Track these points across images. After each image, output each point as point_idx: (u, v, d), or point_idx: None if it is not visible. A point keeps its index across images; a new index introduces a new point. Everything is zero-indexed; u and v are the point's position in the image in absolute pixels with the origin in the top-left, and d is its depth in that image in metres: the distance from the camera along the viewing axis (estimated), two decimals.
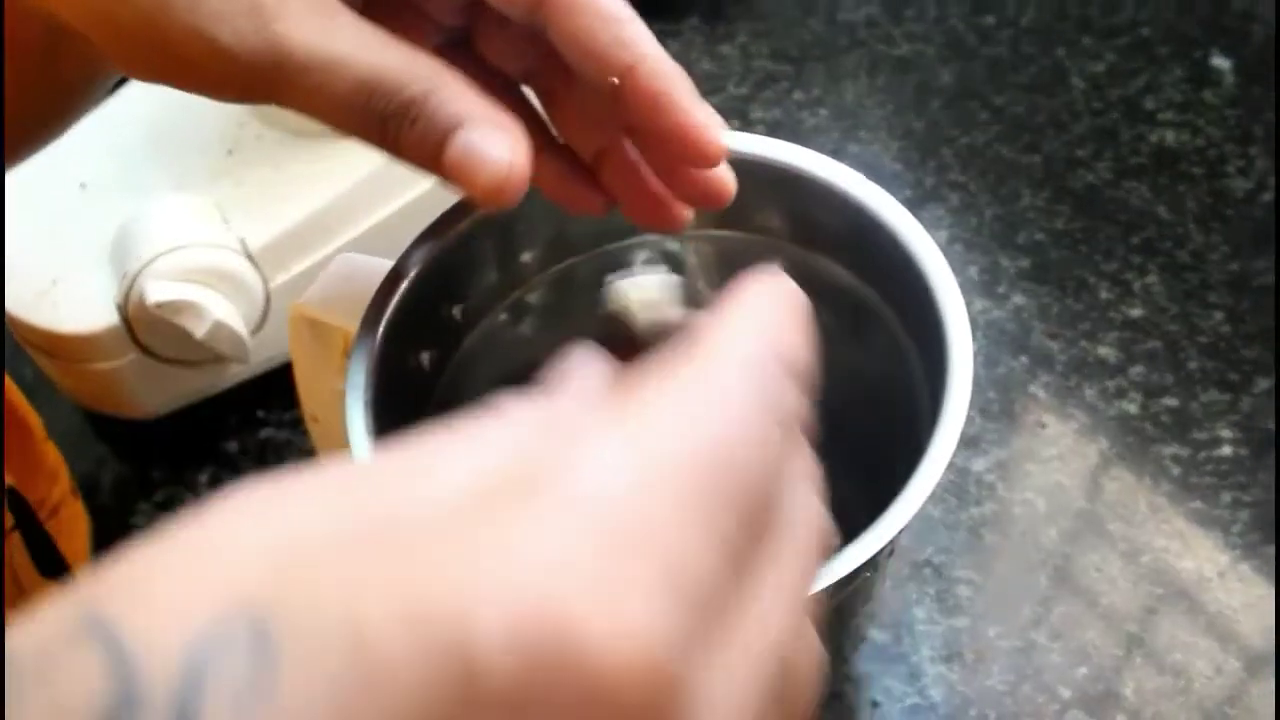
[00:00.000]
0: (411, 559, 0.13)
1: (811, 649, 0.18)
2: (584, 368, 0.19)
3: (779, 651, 0.16)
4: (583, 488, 0.14)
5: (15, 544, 0.37)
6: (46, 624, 0.12)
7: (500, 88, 0.28)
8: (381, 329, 0.32)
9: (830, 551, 0.19)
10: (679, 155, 0.28)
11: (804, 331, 0.19)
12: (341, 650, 0.12)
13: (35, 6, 0.26)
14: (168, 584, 0.13)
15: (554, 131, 0.31)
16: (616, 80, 0.26)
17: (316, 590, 0.13)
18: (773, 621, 0.16)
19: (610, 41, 0.26)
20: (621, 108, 0.27)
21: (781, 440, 0.17)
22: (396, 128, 0.25)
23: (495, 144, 0.25)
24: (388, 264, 0.34)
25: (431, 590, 0.13)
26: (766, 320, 0.18)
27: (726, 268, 0.38)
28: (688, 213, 0.31)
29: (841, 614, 0.35)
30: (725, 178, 0.30)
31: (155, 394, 0.53)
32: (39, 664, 0.12)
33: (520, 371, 0.36)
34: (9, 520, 0.37)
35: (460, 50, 0.29)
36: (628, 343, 0.28)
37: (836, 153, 0.35)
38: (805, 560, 0.18)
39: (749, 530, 0.16)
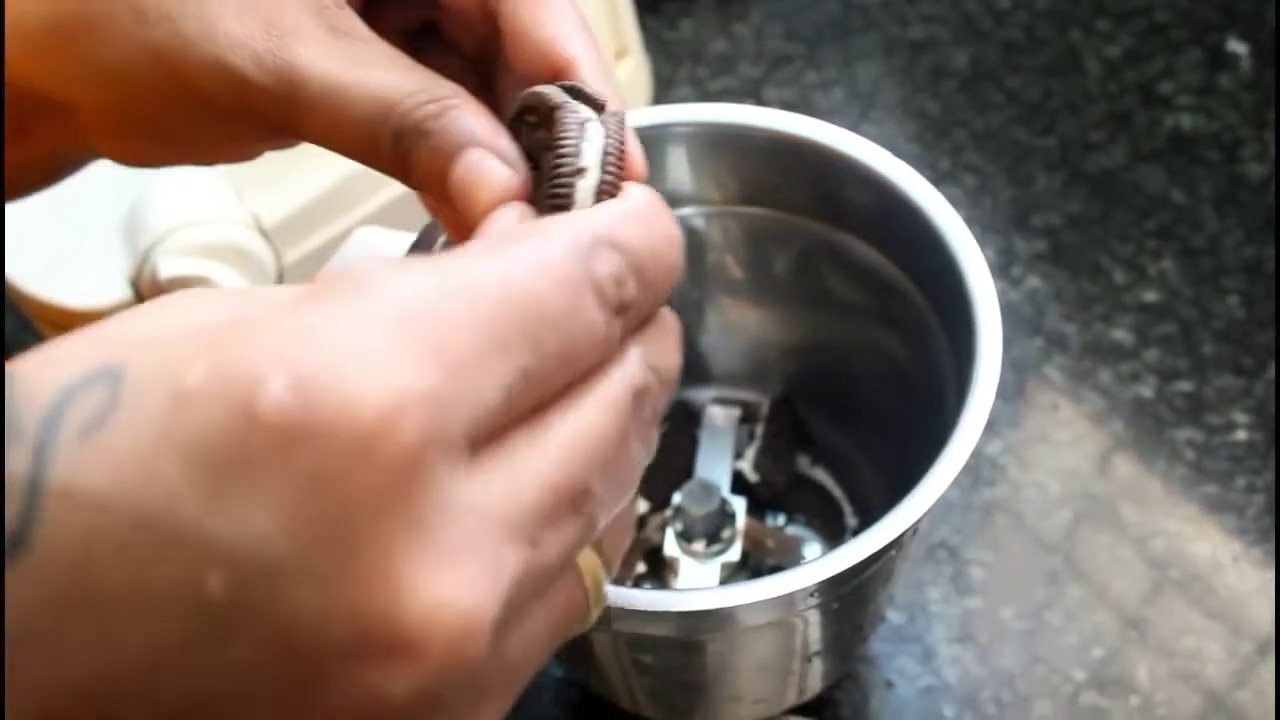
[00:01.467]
0: (239, 336, 0.16)
1: (601, 482, 0.19)
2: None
3: (568, 471, 0.18)
4: (388, 291, 0.17)
5: None
6: None
7: (459, 68, 0.29)
8: None
9: (665, 392, 0.21)
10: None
11: (657, 231, 0.21)
12: (164, 392, 0.16)
13: (17, 80, 0.25)
14: (63, 348, 0.17)
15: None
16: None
17: (163, 357, 0.16)
18: (562, 442, 0.19)
19: (549, 39, 0.26)
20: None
21: (599, 300, 0.19)
22: (410, 143, 0.25)
23: (499, 168, 0.24)
24: (406, 237, 0.34)
25: (240, 352, 0.16)
26: (606, 216, 0.20)
27: (754, 244, 0.38)
28: None
29: (864, 594, 0.35)
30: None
31: None
32: None
33: None
34: None
35: (427, 40, 0.29)
36: None
37: (849, 132, 0.35)
38: (612, 399, 0.19)
39: (542, 359, 0.18)
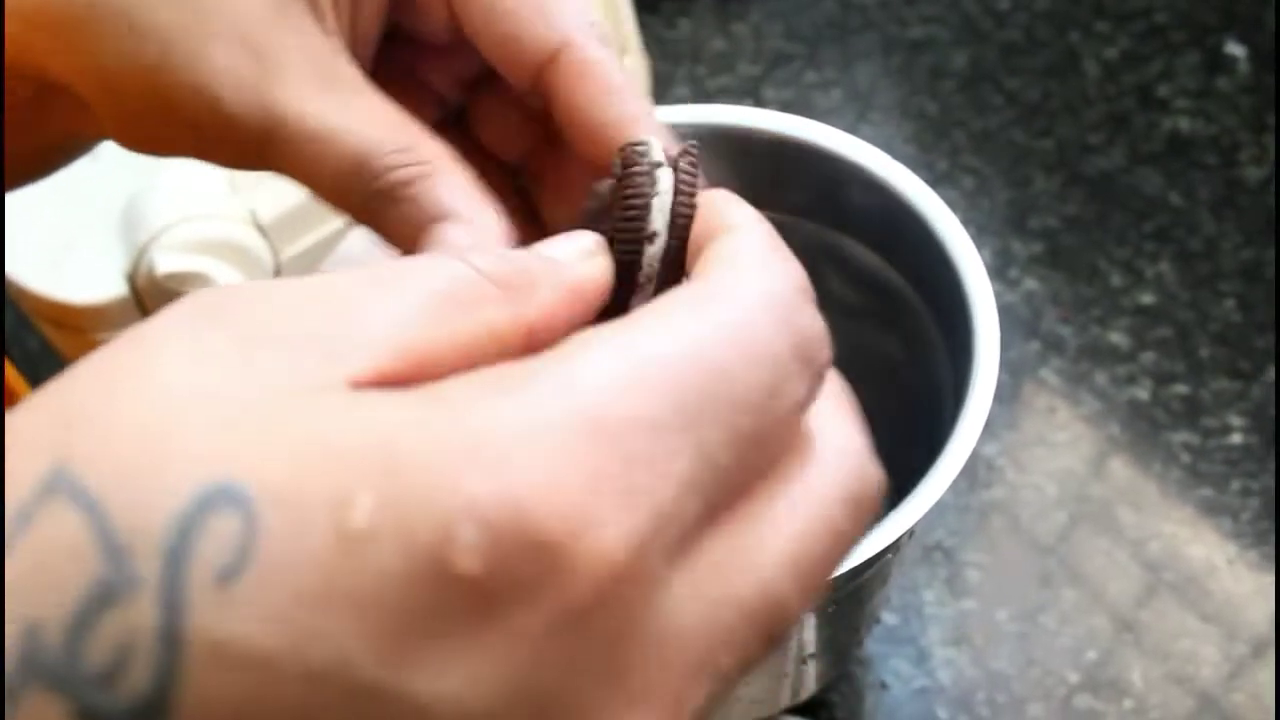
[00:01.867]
0: (403, 450, 0.14)
1: (804, 603, 0.17)
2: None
3: (768, 592, 0.16)
4: (573, 381, 0.15)
5: None
6: (19, 480, 0.13)
7: (492, 171, 0.27)
8: None
9: (876, 506, 0.18)
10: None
11: (794, 258, 0.19)
12: (324, 526, 0.13)
13: (27, 64, 0.25)
14: (139, 452, 0.13)
15: (543, 215, 0.29)
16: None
17: (295, 463, 0.13)
18: (766, 559, 0.16)
19: (614, 118, 0.24)
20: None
21: (802, 371, 0.17)
22: (380, 205, 0.23)
23: (467, 243, 0.23)
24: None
25: (414, 480, 0.13)
26: (770, 250, 0.18)
27: None
28: None
29: (860, 597, 0.35)
30: None
31: None
32: (19, 527, 0.12)
33: None
34: None
35: (456, 129, 0.28)
36: None
37: (849, 134, 0.35)
38: (826, 504, 0.17)
39: (741, 451, 0.16)
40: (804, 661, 0.36)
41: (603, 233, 0.21)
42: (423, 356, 0.15)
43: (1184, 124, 0.61)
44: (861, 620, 0.38)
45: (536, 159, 0.28)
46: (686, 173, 0.22)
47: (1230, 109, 0.61)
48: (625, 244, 0.21)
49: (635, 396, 0.15)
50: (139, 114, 0.25)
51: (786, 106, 0.63)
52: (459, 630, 0.13)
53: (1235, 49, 0.64)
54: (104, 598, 0.12)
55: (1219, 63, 0.63)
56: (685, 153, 0.22)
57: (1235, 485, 0.49)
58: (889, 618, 0.46)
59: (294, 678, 0.13)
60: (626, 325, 0.16)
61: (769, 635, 0.16)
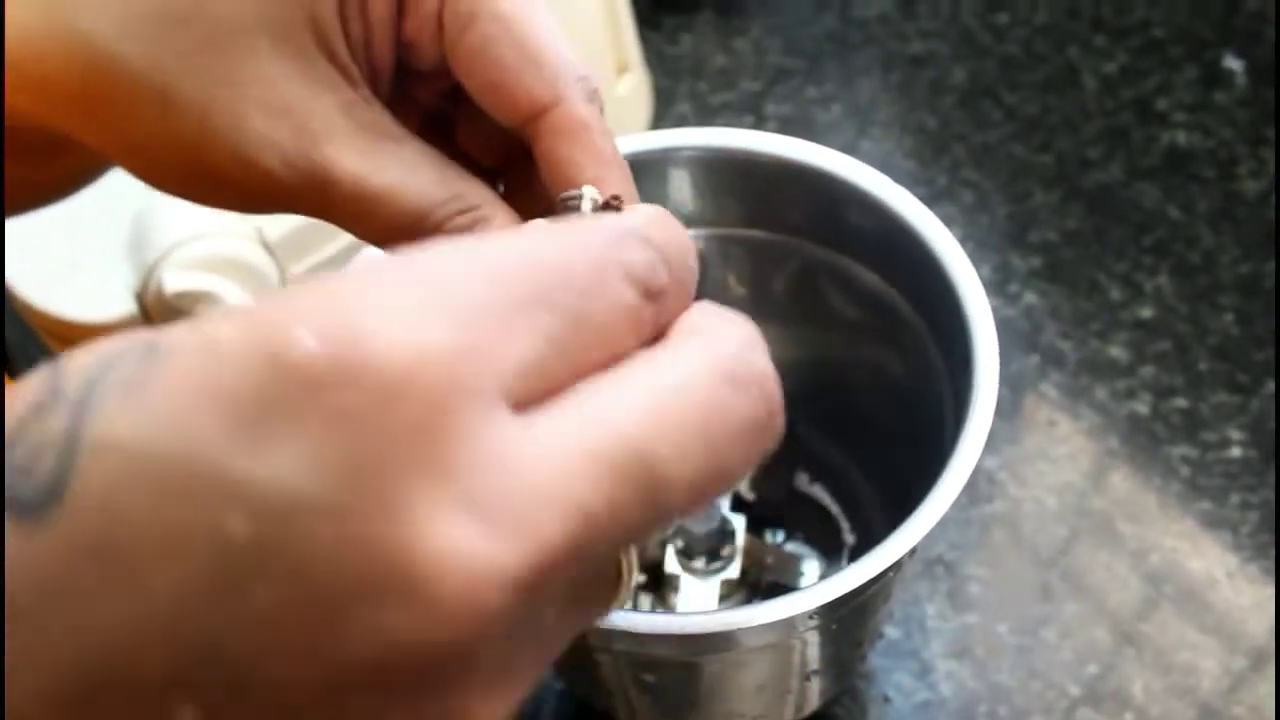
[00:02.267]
0: (270, 302, 0.17)
1: (681, 465, 0.18)
2: None
3: (630, 445, 0.17)
4: (414, 262, 0.18)
5: None
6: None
7: (475, 173, 0.28)
8: None
9: (765, 390, 0.19)
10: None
11: (678, 232, 0.21)
12: (198, 351, 0.16)
13: (45, 128, 0.25)
14: (103, 342, 0.17)
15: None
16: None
17: (199, 327, 0.17)
18: (623, 414, 0.17)
19: (590, 178, 0.25)
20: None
21: (627, 283, 0.19)
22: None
23: None
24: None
25: (270, 313, 0.16)
26: (632, 215, 0.20)
27: (754, 265, 0.39)
28: None
29: (863, 613, 0.35)
30: None
31: None
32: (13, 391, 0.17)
33: None
34: None
35: (437, 132, 0.29)
36: None
37: (849, 149, 0.36)
38: (694, 373, 0.18)
39: (568, 326, 0.18)
40: (807, 678, 0.37)
41: None
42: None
43: (1182, 138, 0.62)
44: (864, 636, 0.38)
45: (514, 168, 0.29)
46: None
47: (1228, 123, 0.62)
48: None
49: (475, 267, 0.18)
50: (181, 180, 0.25)
51: (787, 122, 0.64)
52: (287, 415, 0.16)
53: (1233, 63, 0.64)
54: (36, 412, 0.16)
55: (1217, 77, 0.64)
56: (611, 203, 0.24)
57: (1234, 499, 0.50)
58: (891, 631, 0.47)
59: (155, 463, 0.15)
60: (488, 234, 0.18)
61: (645, 492, 0.17)
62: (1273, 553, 0.48)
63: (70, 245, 0.53)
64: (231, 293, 0.49)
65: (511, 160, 0.29)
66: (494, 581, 0.16)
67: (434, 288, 0.17)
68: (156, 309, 0.50)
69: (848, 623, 0.35)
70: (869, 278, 0.37)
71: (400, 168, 0.25)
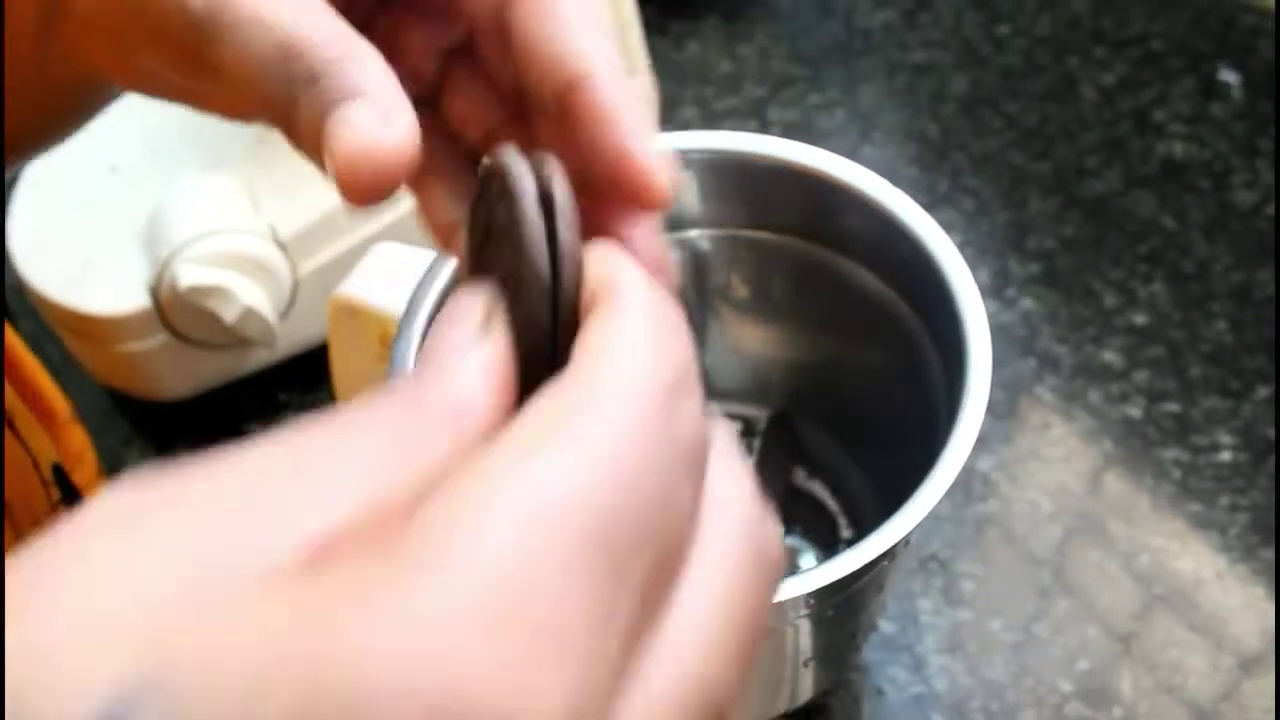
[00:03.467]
0: (304, 623, 0.14)
1: (740, 668, 0.17)
2: (462, 358, 0.18)
3: (702, 683, 0.16)
4: (467, 552, 0.15)
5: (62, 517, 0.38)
6: None
7: (459, 153, 0.27)
8: (424, 317, 0.33)
9: (779, 559, 0.19)
10: (622, 192, 0.23)
11: (682, 333, 0.18)
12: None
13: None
14: (63, 658, 0.13)
15: None
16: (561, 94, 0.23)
17: (213, 655, 0.13)
18: (688, 654, 0.16)
19: (566, 51, 0.23)
20: (568, 136, 0.24)
21: (686, 477, 0.17)
22: (298, 90, 0.23)
23: (367, 118, 0.22)
24: (425, 252, 0.36)
25: (334, 667, 0.13)
26: (648, 337, 0.18)
27: (757, 266, 0.40)
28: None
29: (856, 603, 0.36)
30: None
31: (181, 376, 0.55)
32: None
33: None
34: (55, 494, 0.38)
35: (427, 111, 0.27)
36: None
37: (851, 155, 0.37)
38: (731, 584, 0.17)
39: (644, 577, 0.16)
40: (803, 666, 0.38)
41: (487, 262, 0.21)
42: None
43: (1178, 149, 0.63)
44: (858, 627, 0.39)
45: (504, 135, 0.27)
46: (564, 205, 0.20)
47: (1223, 134, 0.63)
48: (519, 296, 0.20)
49: (536, 562, 0.15)
50: (119, 24, 0.26)
51: (791, 127, 0.65)
52: None
53: (1229, 76, 0.65)
54: None
55: (1213, 89, 0.65)
56: (545, 171, 0.21)
57: (1224, 501, 0.51)
58: (886, 626, 0.48)
59: None
60: (501, 477, 0.15)
61: (716, 711, 0.17)
62: (1261, 554, 0.49)
63: (86, 240, 0.54)
64: (244, 287, 0.50)
65: (502, 130, 0.27)
66: None
67: (507, 595, 0.14)
68: (170, 303, 0.51)
69: (842, 611, 0.35)
70: (869, 279, 0.38)
71: (295, 5, 0.23)
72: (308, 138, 0.23)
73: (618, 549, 0.15)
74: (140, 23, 0.25)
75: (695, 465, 0.17)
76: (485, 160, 0.21)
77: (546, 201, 0.20)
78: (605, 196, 0.23)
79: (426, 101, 0.28)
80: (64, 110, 0.32)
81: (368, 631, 0.14)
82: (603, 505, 0.16)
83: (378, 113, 0.22)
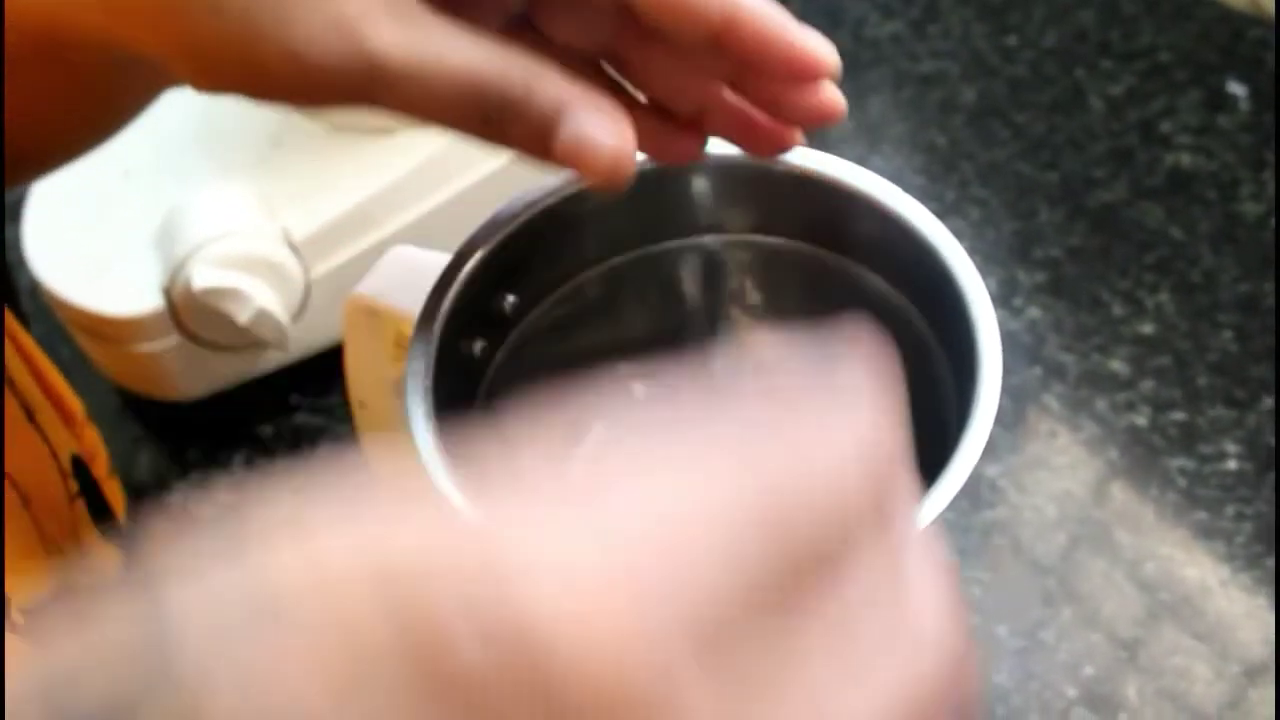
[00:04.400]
0: (401, 534, 0.14)
1: None
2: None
3: None
4: (612, 504, 0.15)
5: (80, 510, 0.39)
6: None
7: (573, 62, 0.28)
8: (440, 319, 0.33)
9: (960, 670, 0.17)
10: (791, 82, 0.29)
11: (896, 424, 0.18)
12: (324, 626, 0.13)
13: (113, 43, 0.26)
14: (206, 583, 0.14)
15: (637, 94, 0.30)
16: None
17: (322, 580, 0.14)
18: (830, 695, 0.15)
19: (805, 45, 0.27)
20: (722, 60, 0.28)
21: (877, 519, 0.16)
22: (500, 124, 0.25)
23: (601, 129, 0.25)
24: (440, 256, 0.36)
25: (410, 579, 0.14)
26: (870, 427, 0.17)
27: (768, 271, 0.40)
28: (799, 135, 0.33)
29: None
30: (835, 96, 0.31)
31: (194, 377, 0.55)
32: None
33: (563, 364, 0.38)
34: (74, 486, 0.39)
35: (524, 29, 0.29)
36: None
37: (860, 164, 0.37)
38: (906, 659, 0.16)
39: (794, 588, 0.15)
40: None
41: None
42: None
43: (1185, 160, 0.63)
44: None
45: (619, 46, 0.29)
46: None
47: (1230, 146, 0.63)
48: None
49: (676, 529, 0.15)
50: (239, 79, 0.26)
51: None
52: None
53: (1236, 88, 0.66)
54: (135, 665, 0.14)
55: (1220, 101, 0.65)
56: None
57: (1230, 510, 0.51)
58: None
59: None
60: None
61: None
62: (1265, 563, 0.49)
63: (100, 241, 0.54)
64: (257, 290, 0.51)
65: (611, 40, 0.29)
66: None
67: (611, 536, 0.14)
68: (184, 304, 0.51)
69: None
70: (881, 285, 0.38)
71: (441, 45, 0.25)
72: (525, 150, 0.26)
73: (767, 536, 0.15)
74: (267, 84, 0.26)
75: (894, 519, 0.17)
76: None
77: None
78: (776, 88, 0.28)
79: (521, 22, 0.29)
80: (119, 120, 0.32)
81: (466, 548, 0.14)
82: (763, 491, 0.15)
83: (605, 120, 0.25)
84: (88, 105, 0.31)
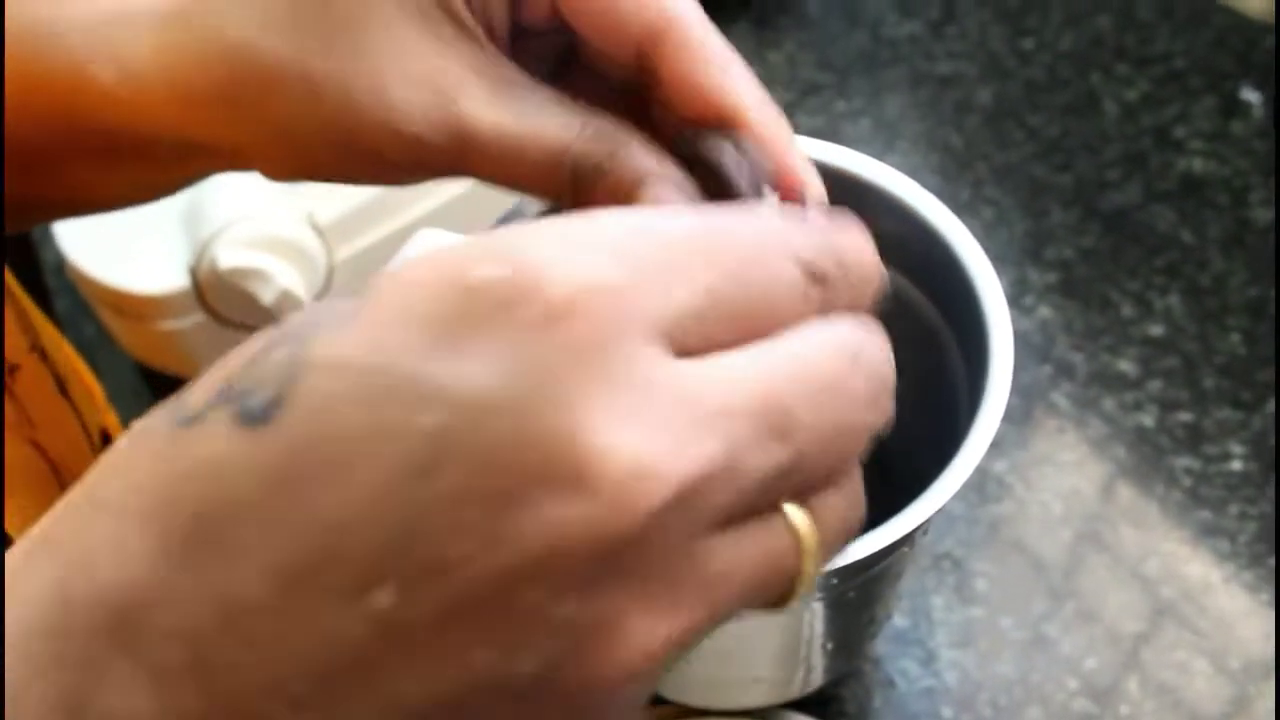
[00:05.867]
0: (462, 244, 0.19)
1: (807, 414, 0.20)
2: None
3: (770, 388, 0.19)
4: (586, 218, 0.20)
5: None
6: None
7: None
8: None
9: (881, 376, 0.22)
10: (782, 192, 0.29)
11: (854, 239, 0.23)
12: (395, 287, 0.19)
13: (181, 137, 0.27)
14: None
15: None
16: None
17: (398, 272, 0.19)
18: (763, 371, 0.19)
19: (715, 88, 0.27)
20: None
21: (791, 262, 0.20)
22: (588, 181, 0.26)
23: (676, 194, 0.26)
24: (462, 239, 0.37)
25: (460, 251, 0.19)
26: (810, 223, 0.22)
27: None
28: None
29: (873, 589, 0.37)
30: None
31: (215, 355, 0.55)
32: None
33: None
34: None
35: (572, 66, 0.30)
36: None
37: (879, 162, 0.38)
38: (821, 352, 0.20)
39: (730, 286, 0.20)
40: (820, 648, 0.39)
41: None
42: None
43: (1198, 165, 0.64)
44: (874, 613, 0.40)
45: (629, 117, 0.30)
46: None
47: (1243, 152, 0.64)
48: None
49: (646, 224, 0.20)
50: (331, 160, 0.27)
51: (817, 134, 0.66)
52: (472, 329, 0.18)
53: (1250, 95, 0.66)
54: (265, 349, 0.19)
55: (1234, 108, 0.66)
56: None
57: (1233, 509, 0.52)
58: (900, 620, 0.49)
59: (360, 374, 0.18)
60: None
61: (780, 434, 0.19)
62: (1268, 562, 0.50)
63: (128, 219, 0.55)
64: (281, 271, 0.51)
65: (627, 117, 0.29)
66: (654, 479, 0.18)
67: (604, 236, 0.19)
68: (209, 283, 0.52)
69: (860, 595, 0.37)
70: (897, 279, 0.39)
71: (535, 109, 0.26)
72: (599, 202, 0.27)
73: (712, 254, 0.20)
74: (351, 159, 0.27)
75: (803, 268, 0.21)
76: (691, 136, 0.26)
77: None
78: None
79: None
80: (175, 189, 0.32)
81: (482, 239, 0.19)
82: (713, 226, 0.20)
83: (682, 198, 0.26)
84: (145, 184, 0.31)
